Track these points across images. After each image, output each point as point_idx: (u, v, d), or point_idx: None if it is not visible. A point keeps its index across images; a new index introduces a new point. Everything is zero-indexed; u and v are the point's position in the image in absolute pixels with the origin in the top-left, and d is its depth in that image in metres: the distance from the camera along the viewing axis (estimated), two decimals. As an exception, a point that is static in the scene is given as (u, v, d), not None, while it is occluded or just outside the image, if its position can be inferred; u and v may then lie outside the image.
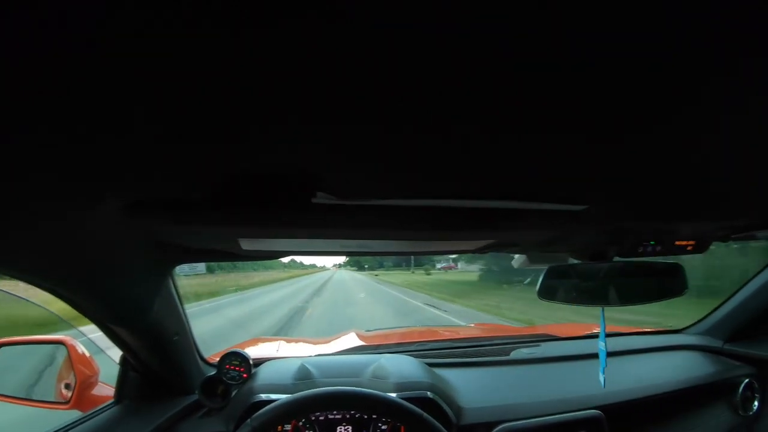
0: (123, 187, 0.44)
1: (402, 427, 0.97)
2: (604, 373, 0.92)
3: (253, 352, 1.08)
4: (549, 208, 0.57)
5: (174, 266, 0.79)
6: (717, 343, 1.35)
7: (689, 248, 0.84)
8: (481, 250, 0.83)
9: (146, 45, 0.22)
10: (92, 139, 0.32)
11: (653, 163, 0.44)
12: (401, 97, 0.28)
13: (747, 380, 1.23)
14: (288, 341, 1.53)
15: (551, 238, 0.73)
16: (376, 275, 43.25)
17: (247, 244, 0.65)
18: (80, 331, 1.15)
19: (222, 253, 0.76)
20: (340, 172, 0.43)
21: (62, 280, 0.60)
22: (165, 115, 0.29)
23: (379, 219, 0.54)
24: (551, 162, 0.42)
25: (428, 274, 37.21)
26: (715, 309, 1.42)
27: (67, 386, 1.04)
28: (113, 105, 0.28)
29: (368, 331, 1.70)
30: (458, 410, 0.98)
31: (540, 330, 1.56)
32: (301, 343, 1.56)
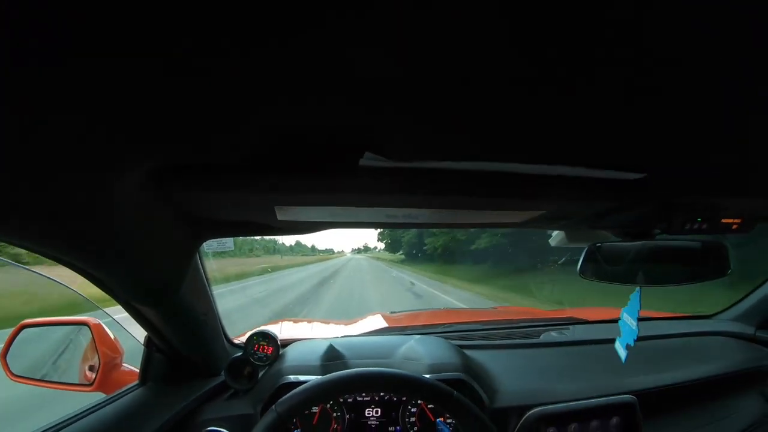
0: (150, 150, 0.41)
1: (428, 412, 0.95)
2: (626, 348, 0.89)
3: (278, 332, 1.06)
4: (605, 176, 0.54)
5: (202, 242, 0.77)
6: (749, 330, 1.32)
7: (735, 227, 0.80)
8: (528, 224, 0.80)
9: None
10: (115, 96, 0.30)
11: (716, 130, 0.41)
12: (457, 52, 0.26)
13: None
14: (313, 322, 1.52)
15: (600, 212, 0.70)
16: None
17: (283, 214, 0.62)
18: (106, 312, 1.13)
19: (255, 225, 0.73)
20: (390, 131, 0.40)
21: (86, 256, 0.57)
22: (199, 67, 0.27)
23: (429, 184, 0.51)
24: (611, 123, 0.39)
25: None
26: (747, 295, 1.38)
27: (92, 368, 1.04)
28: (141, 56, 0.25)
29: (393, 312, 1.69)
30: (491, 393, 0.96)
31: (568, 313, 1.54)
32: (326, 324, 1.56)
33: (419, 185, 0.51)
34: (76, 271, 0.60)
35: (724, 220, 0.78)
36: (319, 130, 0.39)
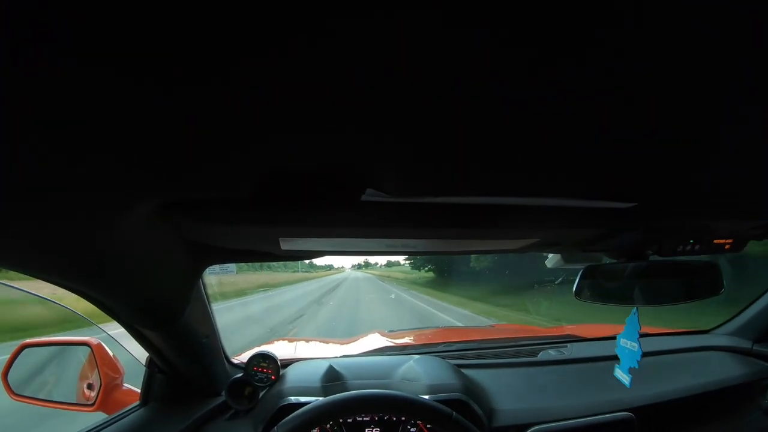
0: (159, 187, 0.43)
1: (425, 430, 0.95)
2: (628, 372, 0.90)
3: (277, 352, 1.07)
4: (597, 205, 0.55)
5: (206, 267, 0.78)
6: (746, 344, 1.32)
7: (727, 247, 0.82)
8: (523, 250, 0.82)
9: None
10: (126, 138, 0.31)
11: (704, 157, 0.43)
12: (451, 94, 0.27)
13: None
14: (312, 341, 1.52)
15: (593, 237, 0.71)
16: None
17: (287, 245, 0.64)
18: (100, 328, 1.14)
19: (258, 253, 0.75)
20: (390, 169, 0.42)
21: (93, 283, 0.59)
22: (208, 113, 0.28)
23: (426, 218, 0.53)
24: (602, 157, 0.41)
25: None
26: (744, 309, 1.39)
27: (90, 386, 1.04)
28: (150, 104, 0.27)
29: (391, 331, 1.69)
30: (489, 412, 0.97)
31: (566, 331, 1.54)
32: (325, 344, 1.56)
33: (417, 218, 0.53)
34: (79, 295, 0.61)
35: (716, 241, 0.79)
36: (323, 168, 0.41)
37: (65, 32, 0.20)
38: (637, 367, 0.89)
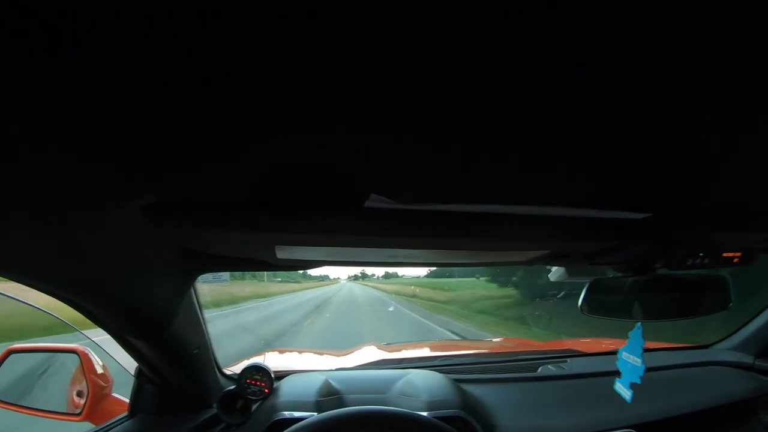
0: (146, 186, 0.40)
1: None
2: (629, 387, 0.88)
3: (271, 363, 1.04)
4: (610, 216, 0.54)
5: (198, 275, 0.76)
6: (748, 359, 1.31)
7: (736, 260, 0.80)
8: (531, 262, 0.80)
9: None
10: (113, 136, 0.29)
11: (721, 169, 0.42)
12: (458, 96, 0.26)
13: None
14: (306, 353, 1.49)
15: (603, 249, 0.69)
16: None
17: (283, 253, 0.61)
18: (84, 335, 1.10)
19: (252, 261, 0.72)
20: (395, 174, 0.40)
21: (77, 289, 0.56)
22: (202, 112, 0.27)
23: (432, 226, 0.51)
24: (616, 165, 0.39)
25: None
26: (746, 323, 1.37)
27: (80, 394, 1.01)
28: (140, 103, 0.25)
29: (388, 344, 1.66)
30: (489, 429, 0.94)
31: (565, 345, 1.52)
32: (320, 355, 1.53)
33: (423, 227, 0.51)
34: (65, 302, 0.59)
35: (725, 254, 0.78)
36: (323, 172, 0.39)
37: (59, 30, 0.19)
38: (639, 382, 0.87)
